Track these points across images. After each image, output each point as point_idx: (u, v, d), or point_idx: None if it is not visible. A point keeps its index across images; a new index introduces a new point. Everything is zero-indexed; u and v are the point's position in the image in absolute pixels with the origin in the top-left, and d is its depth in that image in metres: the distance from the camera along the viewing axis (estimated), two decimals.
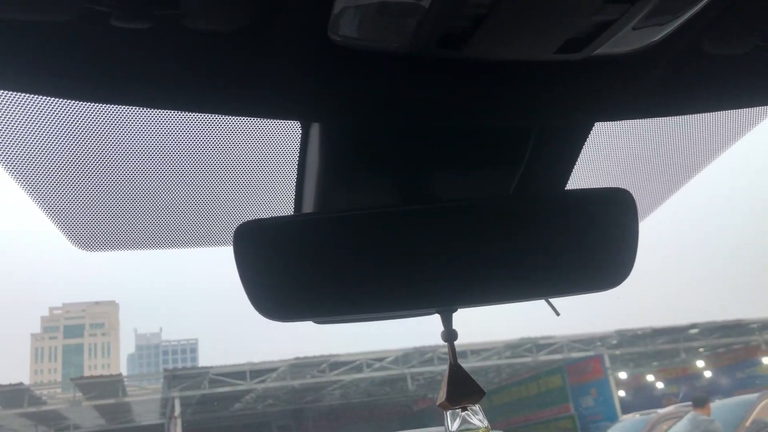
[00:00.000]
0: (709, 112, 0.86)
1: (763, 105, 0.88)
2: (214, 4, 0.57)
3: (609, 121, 0.87)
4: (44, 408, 21.84)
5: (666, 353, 24.65)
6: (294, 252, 0.81)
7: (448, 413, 0.90)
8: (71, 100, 0.66)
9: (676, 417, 12.47)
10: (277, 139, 0.83)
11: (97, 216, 0.84)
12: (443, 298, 0.83)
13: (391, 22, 0.59)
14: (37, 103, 0.66)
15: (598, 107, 0.79)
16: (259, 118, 0.77)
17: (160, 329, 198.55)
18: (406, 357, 21.35)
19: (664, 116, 0.85)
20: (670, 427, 11.86)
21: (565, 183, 0.95)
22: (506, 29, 0.60)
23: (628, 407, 20.20)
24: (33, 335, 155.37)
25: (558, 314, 0.97)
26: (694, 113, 0.86)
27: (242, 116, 0.72)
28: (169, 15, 0.55)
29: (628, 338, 22.75)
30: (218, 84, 0.64)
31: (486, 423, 0.90)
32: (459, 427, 0.90)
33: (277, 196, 0.90)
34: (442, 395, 0.89)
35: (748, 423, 9.94)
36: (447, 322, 0.90)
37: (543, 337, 22.08)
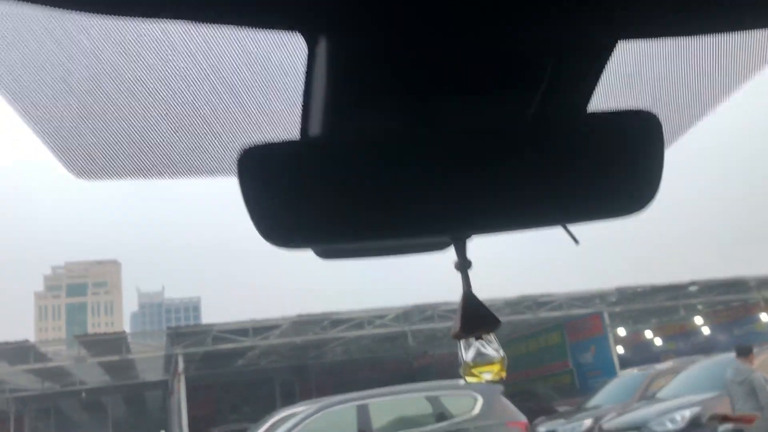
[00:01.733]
0: (739, 30, 0.82)
1: None
2: None
3: (632, 38, 0.82)
4: (50, 364, 22.12)
5: (665, 310, 24.83)
6: (301, 176, 0.78)
7: (461, 343, 0.88)
8: (61, 9, 0.62)
9: (674, 372, 12.63)
10: (283, 59, 0.78)
11: (94, 141, 0.80)
12: (457, 225, 0.80)
13: None
14: (27, 17, 0.63)
15: (621, 23, 0.75)
16: (264, 35, 0.72)
17: (163, 287, 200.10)
18: (407, 315, 21.52)
19: (690, 35, 0.81)
20: (667, 382, 12.02)
21: (587, 105, 0.90)
22: None
23: (626, 363, 20.44)
24: (36, 294, 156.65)
25: (577, 242, 0.94)
26: (722, 32, 0.82)
27: (243, 25, 0.67)
28: None
29: (628, 295, 22.89)
30: None
31: (502, 353, 0.88)
32: (474, 357, 0.88)
33: (282, 120, 0.86)
34: (456, 325, 0.87)
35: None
36: (461, 250, 0.87)
37: (543, 295, 22.22)
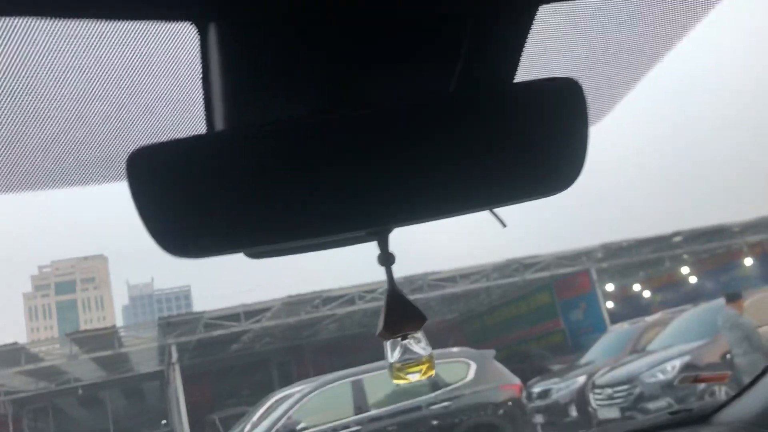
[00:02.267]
0: None
1: None
2: None
3: (547, 2, 0.77)
4: (42, 365, 22.04)
5: (651, 262, 25.10)
6: (199, 178, 0.70)
7: (387, 343, 0.83)
8: None
9: (663, 323, 12.80)
10: (176, 50, 0.71)
11: None
12: (377, 217, 0.73)
13: None
14: None
15: None
16: (155, 28, 0.66)
17: (152, 279, 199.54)
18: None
19: None
20: (657, 334, 12.17)
21: (512, 77, 0.84)
22: None
23: (617, 318, 20.68)
24: (25, 295, 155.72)
25: (504, 225, 0.89)
26: None
27: (117, 19, 0.61)
28: None
29: (613, 251, 23.09)
30: None
31: (429, 351, 0.84)
32: (400, 357, 0.83)
33: (185, 116, 0.79)
34: (380, 324, 0.82)
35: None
36: (383, 244, 0.81)
37: (529, 257, 22.36)
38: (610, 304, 23.99)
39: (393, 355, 0.83)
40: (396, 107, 0.74)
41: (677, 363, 9.91)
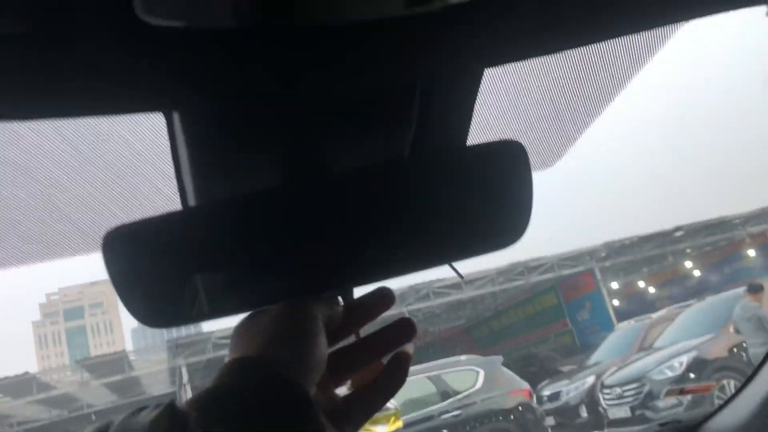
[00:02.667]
0: (594, 42, 0.81)
1: (649, 28, 0.84)
2: None
3: (491, 66, 0.81)
4: (54, 393, 22.06)
5: (654, 258, 25.03)
6: (172, 252, 0.74)
7: None
8: None
9: (669, 319, 12.76)
10: (146, 134, 0.76)
11: None
12: (343, 279, 0.78)
13: None
14: None
15: (475, 54, 0.75)
16: (121, 117, 0.70)
17: None
18: (403, 296, 21.57)
19: (547, 53, 0.81)
20: (664, 329, 12.15)
21: (464, 139, 0.89)
22: None
23: (623, 315, 20.61)
24: (34, 323, 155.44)
25: (462, 277, 0.94)
26: (580, 45, 0.81)
27: (88, 116, 0.67)
28: None
29: (616, 249, 23.06)
30: (30, 87, 0.60)
31: (395, 404, 0.87)
32: None
33: (161, 195, 0.84)
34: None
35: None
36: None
37: (533, 260, 22.32)
38: (616, 302, 23.95)
39: None
40: (353, 174, 0.79)
41: (685, 359, 9.88)
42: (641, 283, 26.94)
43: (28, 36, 0.55)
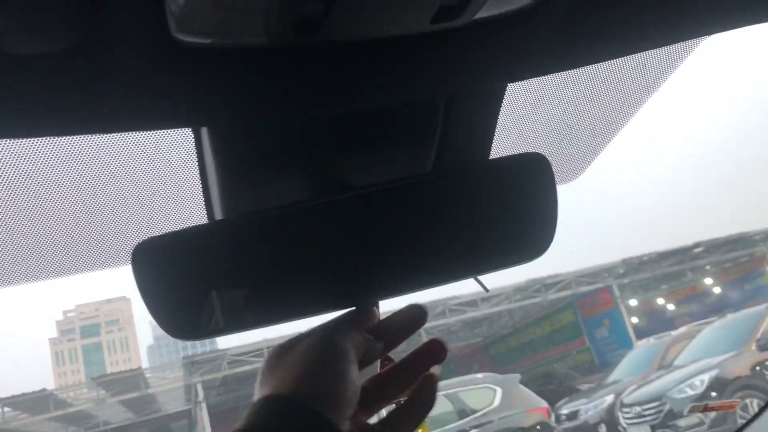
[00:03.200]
0: (616, 57, 0.82)
1: (670, 43, 0.85)
2: (31, 26, 0.53)
3: (514, 81, 0.82)
4: (71, 410, 22.16)
5: (673, 275, 24.80)
6: (199, 265, 0.75)
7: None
8: None
9: (689, 337, 12.62)
10: (174, 149, 0.78)
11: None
12: (367, 292, 0.78)
13: (231, 16, 0.55)
14: None
15: (499, 70, 0.76)
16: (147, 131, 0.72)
17: None
18: None
19: (570, 68, 0.81)
20: (684, 347, 12.01)
21: (488, 153, 0.90)
22: (360, 6, 0.56)
23: (642, 333, 20.42)
24: (51, 340, 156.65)
25: (487, 290, 0.94)
26: (602, 61, 0.82)
27: (121, 131, 0.68)
28: None
29: (635, 265, 22.88)
30: (63, 105, 0.61)
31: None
32: None
33: (187, 208, 0.86)
34: None
35: (758, 335, 10.05)
36: None
37: (550, 276, 22.21)
38: (634, 320, 23.73)
39: None
40: (379, 189, 0.79)
41: (706, 377, 9.75)
42: (660, 300, 26.67)
43: (64, 54, 0.56)
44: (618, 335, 21.85)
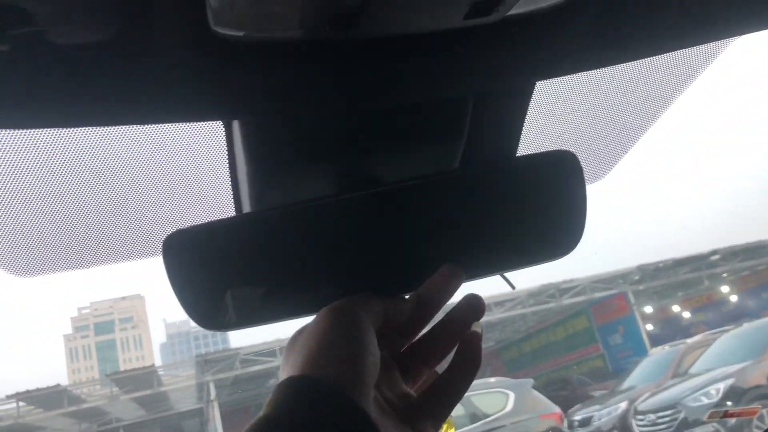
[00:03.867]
0: (647, 57, 0.82)
1: (701, 43, 0.84)
2: (74, 16, 0.53)
3: (544, 79, 0.81)
4: (84, 406, 22.34)
5: (690, 282, 24.64)
6: (229, 257, 0.76)
7: None
8: None
9: (705, 345, 12.52)
10: (204, 142, 0.79)
11: (26, 241, 0.82)
12: (394, 287, 0.77)
13: (269, 9, 0.55)
14: None
15: (530, 67, 0.75)
16: (176, 123, 0.72)
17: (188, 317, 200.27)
18: None
19: (601, 67, 0.81)
20: (699, 356, 11.91)
21: (515, 151, 0.89)
22: (396, 1, 0.57)
23: (657, 340, 20.31)
24: (65, 336, 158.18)
25: (513, 288, 0.93)
26: (633, 60, 0.82)
27: (151, 123, 0.69)
28: (26, 33, 0.52)
29: (650, 272, 22.74)
30: (99, 95, 0.61)
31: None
32: None
33: (215, 200, 0.86)
34: None
35: None
36: None
37: (564, 281, 22.12)
38: (649, 327, 23.59)
39: None
40: (407, 186, 0.80)
41: (722, 386, 9.67)
42: (676, 308, 26.50)
43: (102, 45, 0.56)
44: (632, 342, 21.72)
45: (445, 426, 0.86)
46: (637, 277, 22.77)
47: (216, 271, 0.76)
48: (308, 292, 0.78)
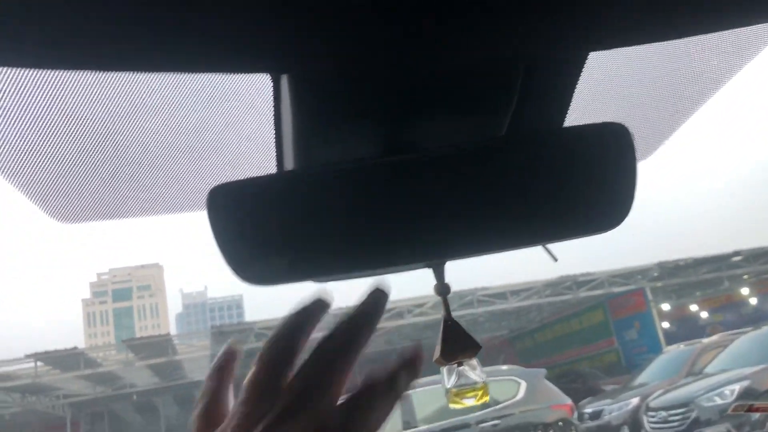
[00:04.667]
0: (707, 33, 0.80)
1: (764, 21, 0.81)
2: None
3: (602, 49, 0.81)
4: (100, 370, 22.72)
5: (709, 282, 24.39)
6: (272, 213, 0.77)
7: (444, 369, 0.87)
8: (27, 68, 0.63)
9: (722, 345, 12.41)
10: (251, 96, 0.78)
11: (71, 187, 0.83)
12: (434, 251, 0.79)
13: None
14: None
15: (589, 36, 0.74)
16: (227, 74, 0.73)
17: (205, 287, 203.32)
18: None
19: (657, 41, 0.79)
20: (715, 356, 11.82)
21: (562, 121, 0.88)
22: None
23: (672, 338, 20.15)
24: (84, 301, 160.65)
25: (556, 260, 0.93)
26: (692, 35, 0.80)
27: (200, 72, 0.69)
28: None
29: (670, 270, 22.55)
30: (148, 41, 0.60)
31: (484, 378, 0.87)
32: (456, 382, 0.87)
33: (258, 156, 0.86)
34: (436, 351, 0.86)
35: None
36: (439, 275, 0.86)
37: (582, 274, 22.01)
38: (665, 324, 23.40)
39: (449, 380, 0.87)
40: (453, 150, 0.80)
41: (736, 387, 9.59)
42: (693, 307, 26.26)
43: None
44: (648, 338, 21.58)
45: (480, 392, 0.86)
46: (656, 274, 22.59)
47: (259, 226, 0.77)
48: (349, 253, 0.78)
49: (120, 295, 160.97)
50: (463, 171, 0.79)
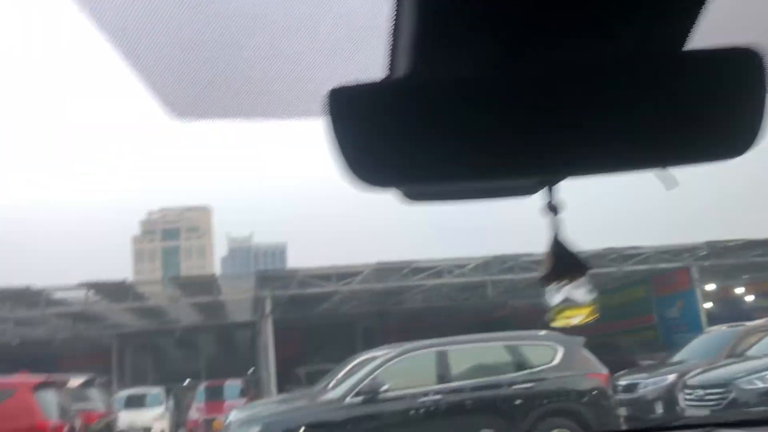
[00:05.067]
0: None
1: None
2: None
3: None
4: (146, 304, 23.36)
5: (759, 266, 23.67)
6: (388, 116, 0.77)
7: (550, 288, 0.87)
8: None
9: (766, 330, 12.14)
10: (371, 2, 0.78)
11: (190, 84, 0.84)
12: (548, 167, 0.78)
13: None
14: None
15: None
16: None
17: (251, 234, 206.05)
18: (487, 265, 21.48)
19: None
20: (759, 340, 11.58)
21: (687, 42, 0.85)
22: None
23: (715, 320, 19.74)
24: (133, 238, 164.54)
25: (676, 185, 0.90)
26: None
27: None
28: None
29: (719, 250, 21.97)
30: None
31: (591, 297, 0.87)
32: (561, 301, 0.87)
33: (368, 61, 0.85)
34: (544, 269, 0.86)
35: None
36: (551, 193, 0.86)
37: (629, 248, 21.61)
38: (708, 305, 22.94)
39: (555, 298, 0.88)
40: (573, 66, 0.79)
41: None
42: (739, 290, 25.63)
43: None
44: (689, 318, 21.22)
45: (585, 312, 0.88)
46: (704, 253, 22.04)
47: (377, 129, 0.77)
48: (467, 160, 0.78)
49: (169, 234, 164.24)
50: (583, 88, 0.78)
